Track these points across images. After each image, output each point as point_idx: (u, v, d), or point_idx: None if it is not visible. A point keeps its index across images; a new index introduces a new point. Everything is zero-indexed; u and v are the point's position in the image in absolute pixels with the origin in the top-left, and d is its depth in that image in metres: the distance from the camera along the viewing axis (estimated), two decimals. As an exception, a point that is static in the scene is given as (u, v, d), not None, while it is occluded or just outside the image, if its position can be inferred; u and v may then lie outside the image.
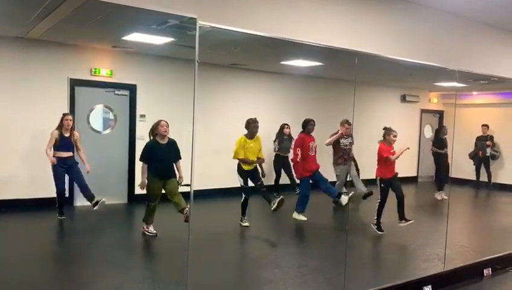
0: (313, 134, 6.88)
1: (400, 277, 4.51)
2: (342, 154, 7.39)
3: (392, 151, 6.14)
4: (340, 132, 7.27)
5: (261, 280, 4.49)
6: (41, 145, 6.20)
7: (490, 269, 5.06)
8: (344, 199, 6.71)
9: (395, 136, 6.17)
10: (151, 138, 5.68)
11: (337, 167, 7.49)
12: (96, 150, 6.67)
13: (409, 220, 6.16)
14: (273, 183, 8.72)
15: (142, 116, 7.76)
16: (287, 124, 8.61)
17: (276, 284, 4.33)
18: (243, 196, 6.33)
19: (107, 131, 7.62)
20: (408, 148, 6.19)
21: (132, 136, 7.73)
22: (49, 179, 6.33)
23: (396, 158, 6.12)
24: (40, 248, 5.26)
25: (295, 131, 8.50)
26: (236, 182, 6.38)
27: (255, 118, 6.28)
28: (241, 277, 4.65)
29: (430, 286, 4.38)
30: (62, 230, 6.29)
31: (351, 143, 7.45)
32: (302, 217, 6.72)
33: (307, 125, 6.82)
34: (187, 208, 5.23)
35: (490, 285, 4.95)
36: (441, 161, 8.96)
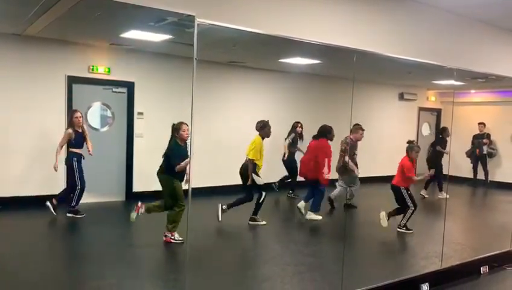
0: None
1: (397, 274, 4.52)
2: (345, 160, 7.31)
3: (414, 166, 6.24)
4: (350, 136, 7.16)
5: (259, 277, 4.50)
6: (39, 142, 6.19)
7: (487, 266, 5.09)
8: (308, 214, 6.72)
9: (417, 152, 6.23)
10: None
11: (340, 175, 7.42)
12: (94, 147, 6.64)
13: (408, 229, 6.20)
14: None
15: (140, 113, 7.75)
16: (299, 123, 8.50)
17: (274, 282, 4.34)
18: (263, 194, 6.32)
19: (105, 128, 7.60)
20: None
21: (130, 133, 7.71)
22: (47, 177, 6.31)
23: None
24: (38, 246, 5.26)
25: (287, 128, 8.51)
26: (234, 180, 6.40)
27: (267, 121, 6.39)
28: (240, 274, 4.65)
29: (427, 284, 4.40)
30: (61, 228, 6.27)
31: (355, 153, 7.37)
32: (318, 217, 6.71)
33: (329, 134, 6.77)
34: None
35: (487, 283, 4.97)
36: (440, 161, 9.00)
